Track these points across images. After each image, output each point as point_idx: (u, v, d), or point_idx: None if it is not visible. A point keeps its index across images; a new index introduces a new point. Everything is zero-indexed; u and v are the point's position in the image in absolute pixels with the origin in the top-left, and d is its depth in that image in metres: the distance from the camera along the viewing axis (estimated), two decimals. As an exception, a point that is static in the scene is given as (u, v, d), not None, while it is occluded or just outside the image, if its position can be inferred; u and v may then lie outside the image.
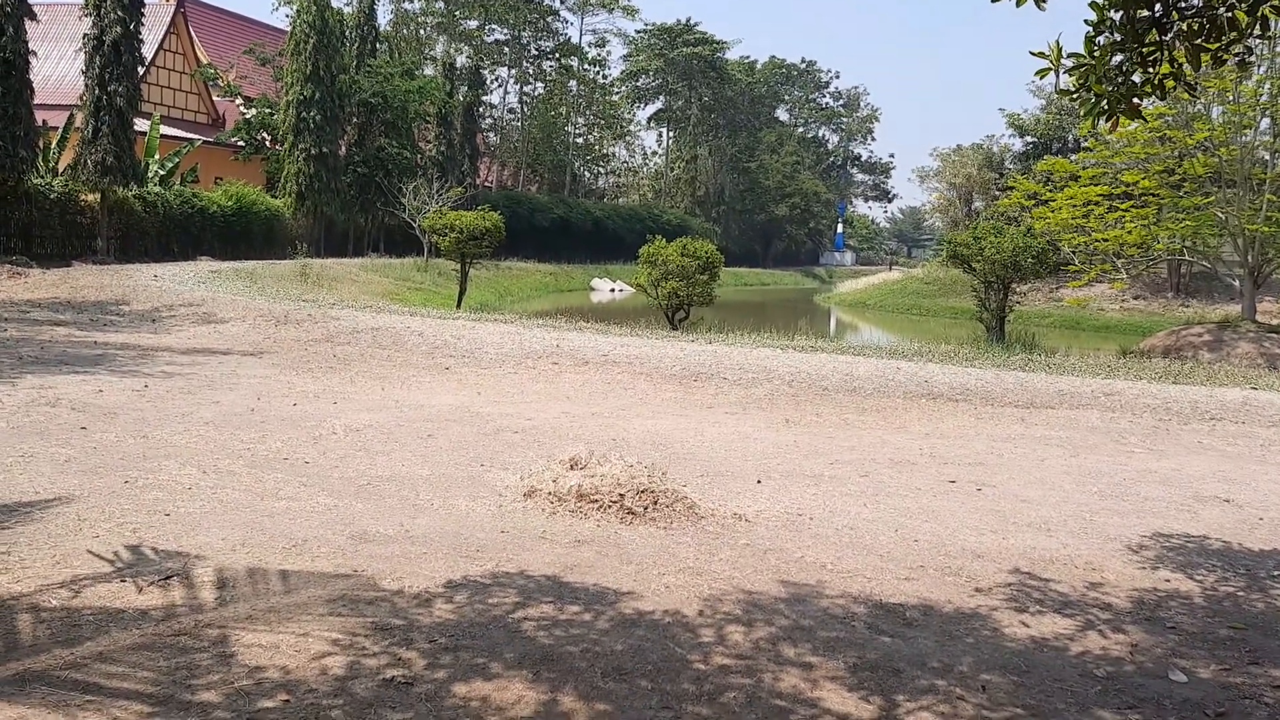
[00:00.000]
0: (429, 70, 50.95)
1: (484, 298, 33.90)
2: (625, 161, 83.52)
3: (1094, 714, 4.05)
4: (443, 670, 4.07)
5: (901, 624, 4.93)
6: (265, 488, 6.80)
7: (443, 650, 4.27)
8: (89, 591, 4.70)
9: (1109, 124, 5.04)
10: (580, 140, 71.19)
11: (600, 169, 78.41)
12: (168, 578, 4.93)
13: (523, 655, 4.27)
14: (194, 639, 4.24)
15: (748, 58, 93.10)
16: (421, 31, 59.24)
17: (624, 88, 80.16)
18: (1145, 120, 5.75)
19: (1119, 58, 4.73)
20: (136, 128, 28.27)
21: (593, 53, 69.61)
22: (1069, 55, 4.82)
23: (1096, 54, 4.71)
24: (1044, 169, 32.09)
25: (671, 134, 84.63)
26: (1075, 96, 4.98)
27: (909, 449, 9.44)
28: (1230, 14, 4.49)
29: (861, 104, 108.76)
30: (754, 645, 4.55)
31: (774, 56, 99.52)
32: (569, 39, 67.51)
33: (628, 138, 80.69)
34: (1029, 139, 52.76)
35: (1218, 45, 4.57)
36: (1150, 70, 4.76)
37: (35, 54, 25.72)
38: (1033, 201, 30.49)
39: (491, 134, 63.89)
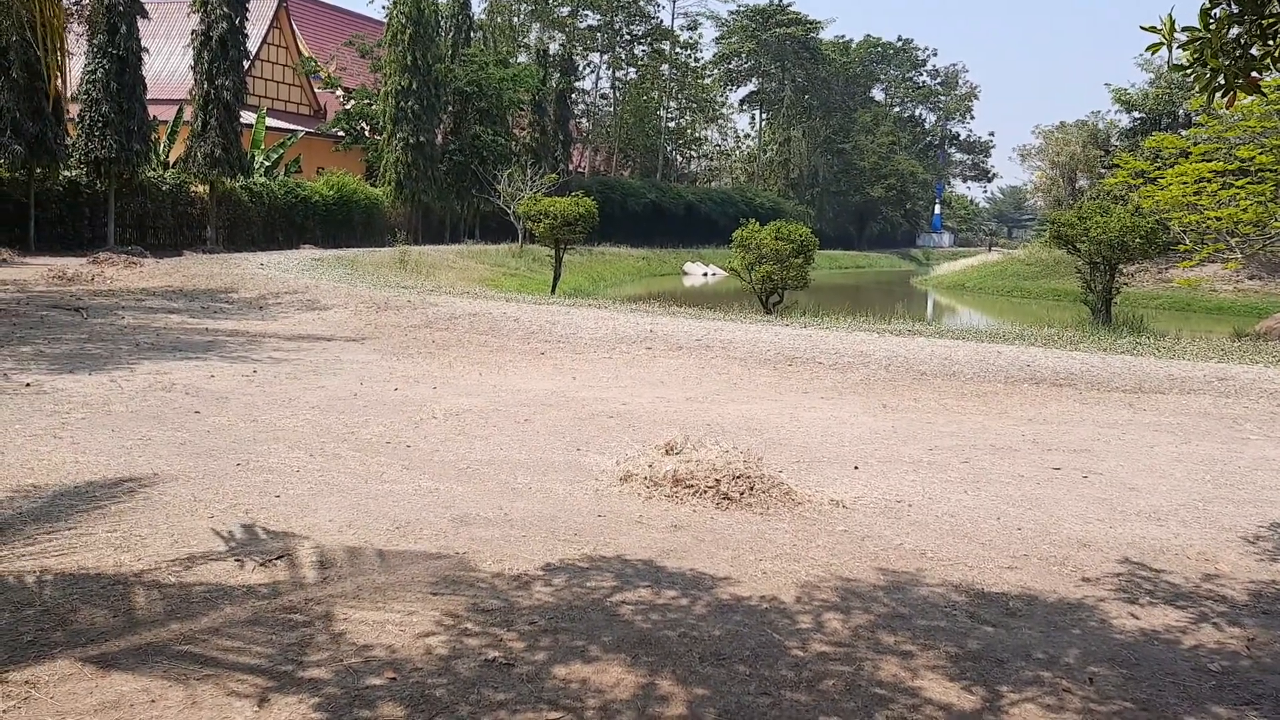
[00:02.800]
0: (522, 58, 51.41)
1: (578, 283, 34.15)
2: (717, 145, 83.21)
3: (1208, 709, 3.92)
4: (542, 652, 4.13)
5: (1004, 614, 4.84)
6: (369, 471, 6.97)
7: (542, 632, 4.33)
8: (204, 569, 4.88)
9: (1225, 99, 4.84)
10: (672, 124, 71.10)
11: (692, 153, 78.20)
12: (278, 556, 5.10)
13: (621, 639, 4.30)
14: (304, 616, 4.37)
15: (842, 37, 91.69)
16: (515, 19, 59.74)
17: (716, 70, 79.70)
18: (1264, 95, 5.49)
19: (1236, 30, 4.54)
20: (242, 120, 29.16)
21: (685, 36, 69.49)
22: (1183, 29, 4.64)
23: (1212, 27, 4.53)
24: (1152, 146, 30.92)
25: (764, 116, 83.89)
26: (1189, 71, 4.80)
27: (1011, 435, 9.24)
28: (1359, -21, 4.28)
29: (960, 82, 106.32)
30: (853, 633, 4.51)
31: (869, 35, 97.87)
32: (660, 23, 67.46)
33: (720, 121, 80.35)
34: (1137, 115, 50.91)
35: (1345, 13, 4.35)
36: (1270, 43, 4.55)
37: (147, 50, 26.73)
38: (1140, 180, 29.43)
39: (584, 120, 64.20)
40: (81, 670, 3.79)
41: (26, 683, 3.67)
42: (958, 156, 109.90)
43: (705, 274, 49.24)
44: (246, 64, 29.81)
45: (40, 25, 5.13)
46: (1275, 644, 4.61)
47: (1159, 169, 28.88)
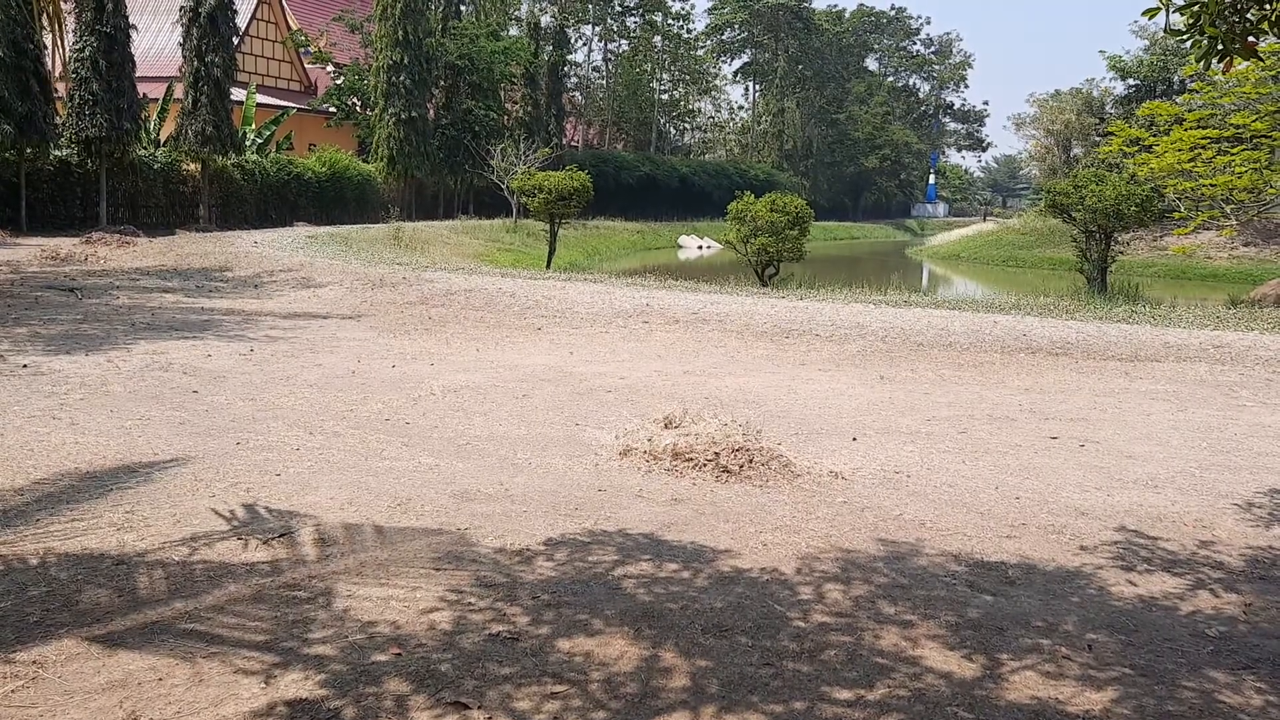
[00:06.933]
0: (514, 31, 51.02)
1: (573, 257, 34.08)
2: (711, 117, 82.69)
3: (1206, 674, 3.96)
4: (546, 626, 4.16)
5: (1003, 582, 4.88)
6: (369, 448, 6.99)
7: (545, 606, 4.35)
8: (208, 548, 4.90)
9: (1222, 65, 4.83)
10: (665, 97, 70.68)
11: (686, 125, 77.80)
12: (281, 535, 5.12)
13: (623, 612, 4.33)
14: (307, 593, 4.39)
15: (835, 6, 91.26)
16: (505, -9, 59.16)
17: (709, 42, 79.21)
18: (1261, 59, 5.49)
19: (1234, -6, 4.52)
20: (233, 97, 28.96)
21: (677, 7, 68.84)
22: (1180, -7, 4.62)
23: (1210, -9, 4.51)
24: (1146, 113, 30.86)
25: (758, 87, 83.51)
26: (1186, 36, 4.78)
27: (1008, 404, 9.27)
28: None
29: (954, 50, 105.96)
30: (853, 603, 4.55)
31: (862, 4, 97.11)
32: (652, -7, 66.84)
33: (713, 92, 79.85)
34: (1131, 82, 50.72)
35: (1343, -23, 4.33)
36: (1268, 6, 4.54)
37: (135, 28, 26.50)
38: (1135, 148, 29.39)
39: (577, 93, 63.81)
40: (88, 649, 3.81)
41: (34, 662, 3.70)
42: (952, 126, 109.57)
43: (700, 247, 49.15)
44: (236, 40, 29.59)
45: (39, 3, 5.11)
46: (1272, 609, 4.65)
47: (1154, 136, 28.83)
